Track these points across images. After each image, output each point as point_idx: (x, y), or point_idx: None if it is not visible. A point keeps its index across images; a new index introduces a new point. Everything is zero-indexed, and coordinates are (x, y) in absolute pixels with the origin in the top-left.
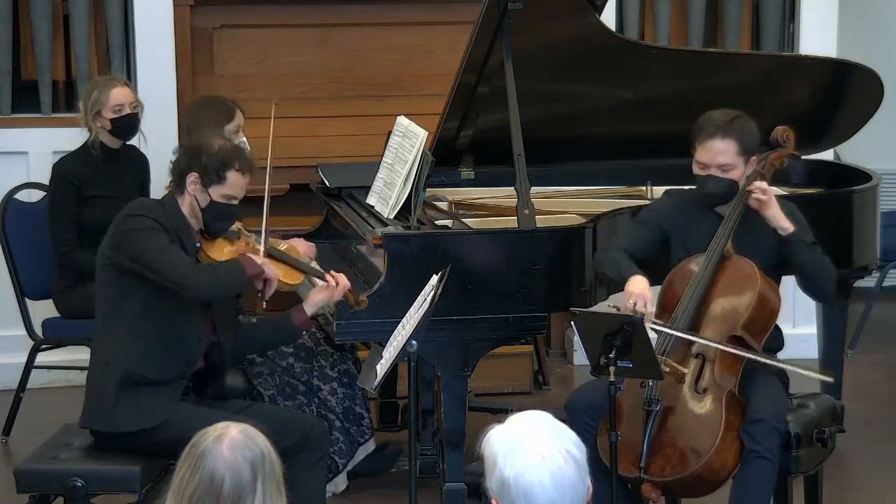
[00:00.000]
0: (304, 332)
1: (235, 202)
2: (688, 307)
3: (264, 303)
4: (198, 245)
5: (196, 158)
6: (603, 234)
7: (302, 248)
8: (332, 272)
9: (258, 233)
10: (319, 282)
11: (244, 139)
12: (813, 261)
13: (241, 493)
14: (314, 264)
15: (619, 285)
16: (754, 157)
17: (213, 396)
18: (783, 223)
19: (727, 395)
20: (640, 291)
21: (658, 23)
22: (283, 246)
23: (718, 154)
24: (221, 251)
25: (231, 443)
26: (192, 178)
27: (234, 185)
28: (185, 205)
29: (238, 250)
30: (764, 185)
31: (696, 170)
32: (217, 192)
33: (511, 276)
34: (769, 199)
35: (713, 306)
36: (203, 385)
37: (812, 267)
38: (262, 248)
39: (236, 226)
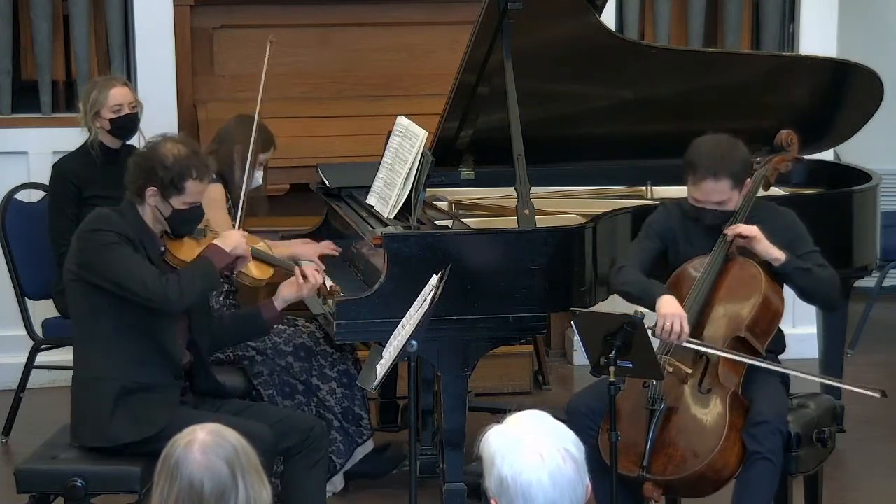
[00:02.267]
0: (305, 328)
1: (198, 205)
2: (692, 309)
3: (231, 273)
4: (162, 249)
5: (152, 173)
6: (603, 234)
7: (310, 249)
8: (303, 267)
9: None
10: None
11: (261, 172)
12: (809, 282)
13: (223, 492)
14: (286, 258)
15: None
16: (749, 180)
17: (210, 395)
18: (773, 254)
19: (731, 396)
20: (675, 312)
21: (658, 23)
22: (259, 244)
23: (713, 193)
24: (190, 251)
25: (201, 446)
26: (151, 191)
27: (193, 192)
28: (147, 214)
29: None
30: (740, 228)
31: (692, 202)
32: (178, 202)
33: (511, 276)
34: (755, 238)
35: (717, 308)
36: (194, 383)
37: (810, 288)
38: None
39: (202, 223)
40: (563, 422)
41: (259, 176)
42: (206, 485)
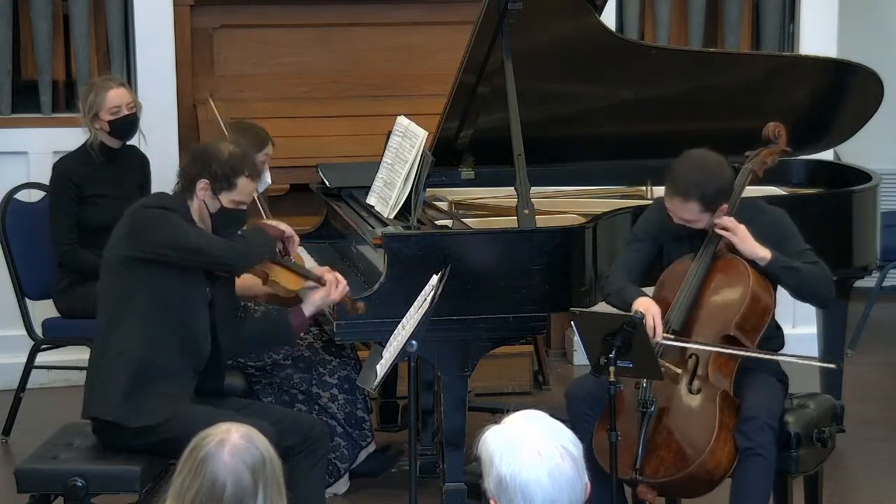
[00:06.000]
0: (303, 340)
1: (244, 206)
2: (680, 307)
3: (291, 258)
4: None
5: (206, 165)
6: (603, 235)
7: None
8: (332, 274)
9: None
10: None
11: (267, 170)
12: (798, 281)
13: (241, 499)
14: (313, 268)
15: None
16: (725, 206)
17: (212, 394)
18: (759, 253)
19: (721, 395)
20: (649, 307)
21: (658, 23)
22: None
23: (680, 211)
24: None
25: (232, 449)
26: (203, 184)
27: (243, 191)
28: (194, 208)
29: None
30: (728, 222)
31: (668, 211)
32: (227, 199)
33: (511, 276)
34: (739, 236)
35: (706, 306)
36: (203, 382)
37: (799, 286)
38: None
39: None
40: (561, 419)
41: (267, 175)
42: (227, 488)
